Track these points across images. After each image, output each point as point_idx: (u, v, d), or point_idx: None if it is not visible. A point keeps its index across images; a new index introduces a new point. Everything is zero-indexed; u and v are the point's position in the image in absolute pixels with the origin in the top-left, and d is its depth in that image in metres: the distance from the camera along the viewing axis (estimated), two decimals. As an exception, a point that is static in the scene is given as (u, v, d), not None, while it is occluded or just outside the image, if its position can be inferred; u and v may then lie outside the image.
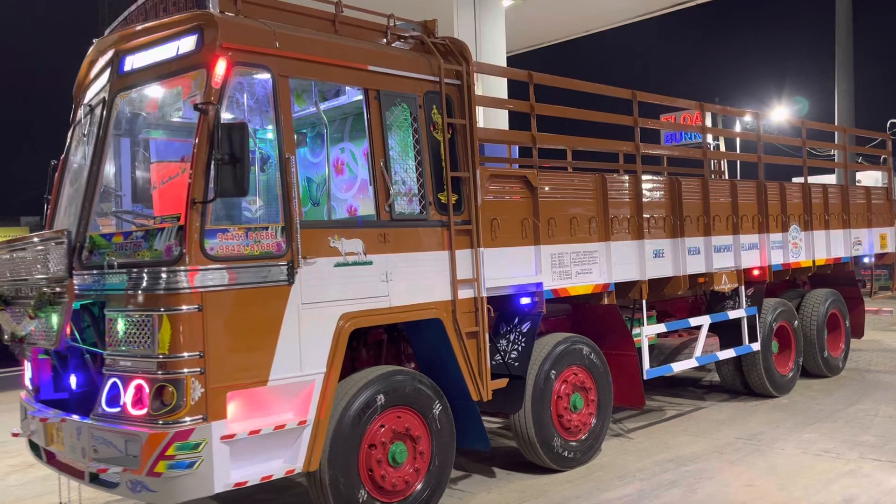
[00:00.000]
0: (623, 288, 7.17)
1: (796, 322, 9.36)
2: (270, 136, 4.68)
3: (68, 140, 5.81)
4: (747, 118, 11.76)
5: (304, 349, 4.69)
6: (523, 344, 6.16)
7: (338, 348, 4.84)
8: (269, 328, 4.55)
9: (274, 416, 4.54)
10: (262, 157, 5.34)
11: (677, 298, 9.07)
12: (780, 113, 26.21)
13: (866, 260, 10.98)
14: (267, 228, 4.60)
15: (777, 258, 9.02)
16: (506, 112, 12.32)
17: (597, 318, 7.15)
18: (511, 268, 6.04)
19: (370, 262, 5.08)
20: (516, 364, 6.12)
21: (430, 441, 5.38)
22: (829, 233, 10.01)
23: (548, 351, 6.36)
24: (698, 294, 9.14)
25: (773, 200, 9.04)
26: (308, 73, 4.92)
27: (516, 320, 6.33)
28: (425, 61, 5.57)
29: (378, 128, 5.23)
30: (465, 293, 5.64)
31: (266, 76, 4.69)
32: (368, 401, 5.03)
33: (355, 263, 4.99)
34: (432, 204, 5.49)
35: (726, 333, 8.54)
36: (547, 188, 6.32)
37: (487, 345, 5.74)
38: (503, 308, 6.36)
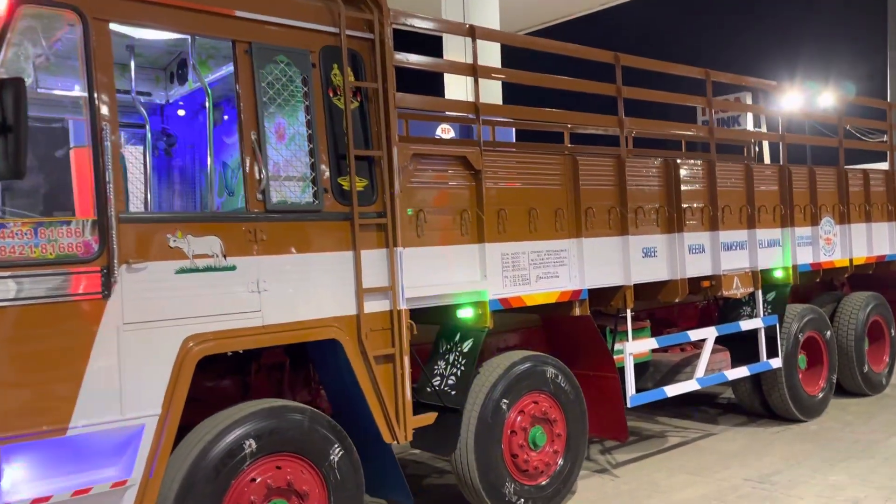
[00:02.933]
0: (604, 295, 5.86)
1: (829, 332, 7.89)
2: (80, 99, 3.56)
3: None
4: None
5: (128, 384, 3.53)
6: (463, 367, 4.92)
7: (180, 381, 3.66)
8: (72, 357, 3.39)
9: (77, 476, 3.38)
10: (64, 127, 4.18)
11: (681, 305, 7.71)
12: (826, 97, 24.23)
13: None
14: (69, 223, 3.44)
15: (804, 257, 7.57)
16: (499, 84, 11.14)
17: (569, 331, 5.86)
18: (445, 272, 4.79)
19: (232, 268, 3.88)
20: (452, 393, 4.87)
21: (325, 497, 4.16)
22: (871, 226, 8.49)
23: (499, 375, 5.10)
24: (709, 299, 7.77)
25: (800, 188, 7.59)
26: (140, 16, 3.73)
27: (457, 337, 5.08)
28: (322, 7, 4.33)
29: (249, 91, 4.03)
30: (377, 305, 4.41)
31: (73, 20, 3.52)
32: (232, 448, 3.84)
33: (209, 269, 3.80)
34: (329, 191, 4.27)
35: (741, 347, 7.15)
36: (495, 172, 5.05)
37: (407, 370, 4.50)
38: (444, 321, 5.13)
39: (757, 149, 22.04)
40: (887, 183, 8.86)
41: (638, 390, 6.29)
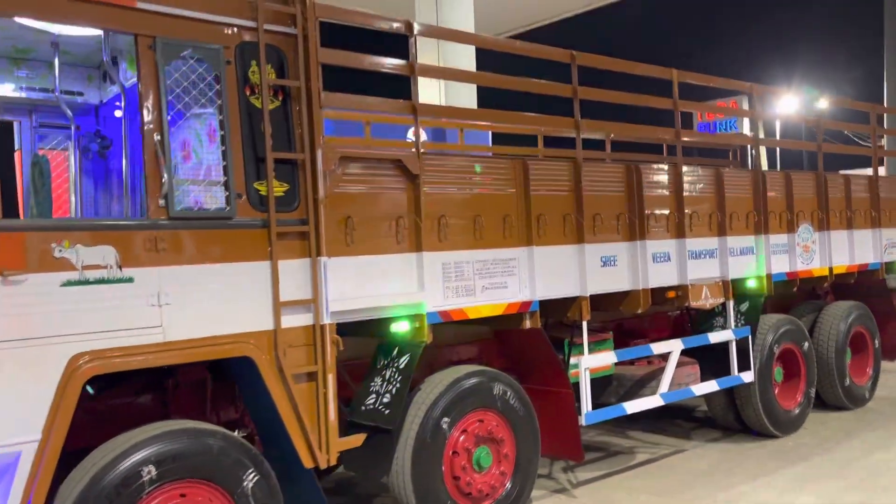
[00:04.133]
0: (560, 306, 5.55)
1: (806, 344, 7.56)
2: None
3: None
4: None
5: (0, 408, 3.23)
6: (398, 385, 4.62)
7: (63, 404, 3.37)
8: (-65, 379, 3.11)
9: (-61, 509, 3.10)
10: None
11: (652, 315, 7.40)
12: (823, 101, 23.92)
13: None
14: (-68, 232, 3.15)
15: (780, 265, 7.25)
16: (473, 87, 10.82)
17: (521, 345, 5.56)
18: (379, 283, 4.49)
19: (129, 279, 3.59)
20: (386, 412, 4.57)
21: (237, 527, 3.87)
22: (853, 233, 8.17)
23: (440, 392, 4.79)
24: (682, 309, 7.45)
25: (776, 194, 7.27)
26: (24, 7, 3.45)
27: (395, 352, 4.78)
28: (239, 0, 4.04)
29: (152, 89, 3.75)
30: (298, 319, 4.11)
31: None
32: (128, 475, 3.54)
33: (102, 281, 3.51)
34: (244, 196, 3.98)
35: (713, 359, 6.83)
36: (436, 176, 4.75)
37: (332, 389, 4.19)
38: (383, 335, 4.82)
39: (753, 152, 21.60)
40: (871, 188, 8.54)
41: (601, 405, 6.00)
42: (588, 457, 6.91)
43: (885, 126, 21.18)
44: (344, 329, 4.65)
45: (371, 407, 4.66)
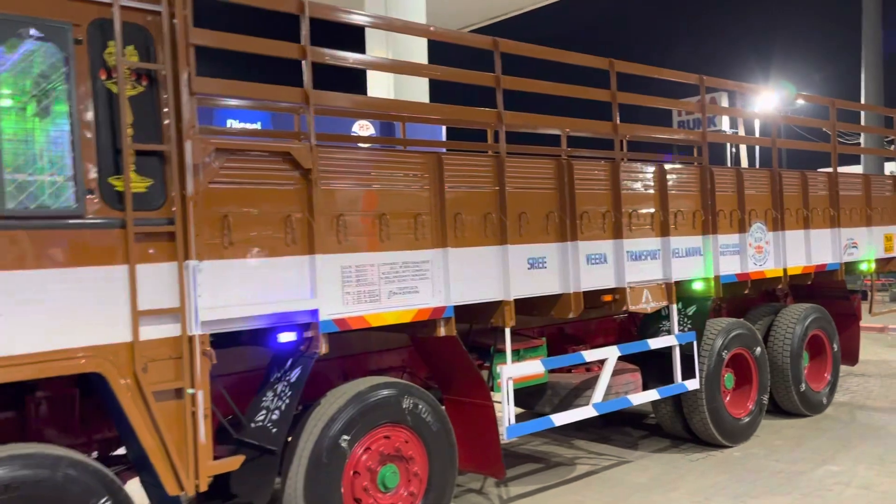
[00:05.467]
0: (484, 311, 5.16)
1: (758, 349, 7.20)
2: None
3: None
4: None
5: None
6: (287, 401, 4.20)
7: None
8: None
9: None
10: None
11: (597, 320, 7.03)
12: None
13: (864, 266, 8.74)
14: None
15: (730, 266, 6.88)
16: (425, 81, 10.38)
17: (438, 353, 5.16)
18: (263, 288, 4.06)
19: (-52, 287, 3.16)
20: (273, 431, 4.15)
21: (87, 562, 3.45)
22: (810, 233, 7.81)
23: (339, 406, 4.38)
24: (628, 313, 7.08)
25: (726, 192, 6.90)
26: None
27: (287, 364, 4.37)
28: (93, -28, 3.61)
29: (-21, 71, 3.31)
30: (162, 330, 3.68)
31: None
32: (-51, 509, 3.13)
33: None
34: (96, 192, 3.55)
35: (656, 367, 6.47)
36: (332, 171, 4.33)
37: (202, 407, 3.77)
38: (277, 346, 4.40)
39: (734, 150, 21.15)
40: (830, 186, 8.19)
41: (537, 415, 5.63)
42: (527, 468, 6.54)
43: (864, 123, 20.92)
44: (242, 338, 4.27)
45: (260, 424, 4.25)
